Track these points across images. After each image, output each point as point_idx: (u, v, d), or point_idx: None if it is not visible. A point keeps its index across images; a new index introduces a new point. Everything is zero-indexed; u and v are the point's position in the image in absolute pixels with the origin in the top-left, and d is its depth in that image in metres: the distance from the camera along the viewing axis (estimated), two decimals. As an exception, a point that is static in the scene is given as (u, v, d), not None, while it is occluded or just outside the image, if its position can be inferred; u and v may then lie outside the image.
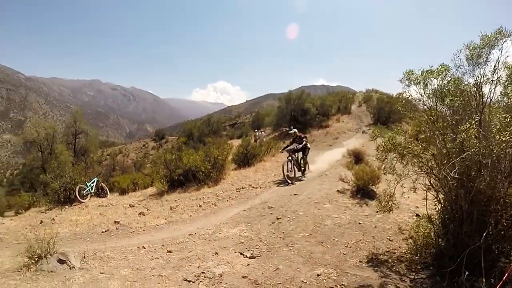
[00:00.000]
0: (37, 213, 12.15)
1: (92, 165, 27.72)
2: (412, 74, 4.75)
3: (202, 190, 11.34)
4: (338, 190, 8.65)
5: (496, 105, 4.41)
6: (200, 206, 9.55)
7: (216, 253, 5.88)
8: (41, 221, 9.92)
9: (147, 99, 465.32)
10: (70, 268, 5.39)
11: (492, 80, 4.25)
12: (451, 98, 4.37)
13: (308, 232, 6.43)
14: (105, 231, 8.12)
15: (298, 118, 26.16)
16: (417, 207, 7.20)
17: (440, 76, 4.52)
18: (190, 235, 7.11)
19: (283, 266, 5.13)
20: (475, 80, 4.36)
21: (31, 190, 23.21)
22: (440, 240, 4.74)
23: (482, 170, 4.08)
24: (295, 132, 12.56)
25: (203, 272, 5.05)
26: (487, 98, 4.30)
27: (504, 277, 3.45)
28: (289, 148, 12.02)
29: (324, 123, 26.69)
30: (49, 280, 4.94)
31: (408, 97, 4.95)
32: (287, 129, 17.17)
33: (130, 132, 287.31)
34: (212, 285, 4.71)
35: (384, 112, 26.10)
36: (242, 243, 6.29)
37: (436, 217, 4.89)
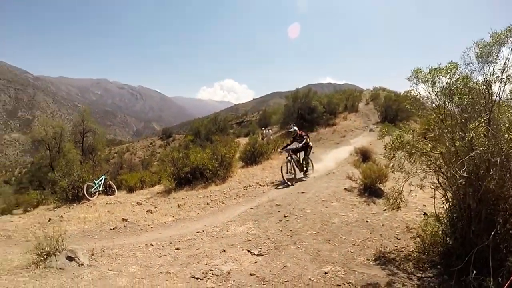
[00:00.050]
0: (46, 211, 12.25)
1: (99, 163, 27.88)
2: (420, 72, 4.73)
3: (210, 188, 11.37)
4: (345, 188, 8.62)
5: (506, 103, 4.38)
6: (207, 204, 9.58)
7: (224, 250, 5.90)
8: (50, 219, 10.01)
9: (154, 97, 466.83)
10: (79, 265, 5.42)
11: (501, 78, 4.22)
12: (459, 96, 4.35)
13: (315, 230, 6.43)
14: (113, 229, 8.18)
15: (305, 116, 26.14)
16: (425, 205, 7.17)
17: (449, 74, 4.50)
18: (197, 232, 7.13)
19: (290, 264, 5.14)
20: (484, 78, 4.33)
21: (40, 188, 23.48)
22: (448, 239, 4.72)
23: (491, 169, 4.05)
24: (295, 130, 11.94)
25: (211, 270, 5.07)
26: (496, 96, 4.26)
27: (513, 276, 3.43)
28: (289, 147, 11.59)
29: (331, 121, 26.64)
30: (58, 277, 4.97)
31: (416, 95, 4.93)
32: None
33: (137, 131, 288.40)
34: (220, 282, 4.73)
35: (392, 110, 25.93)
36: (250, 240, 6.31)
37: (444, 215, 4.87)
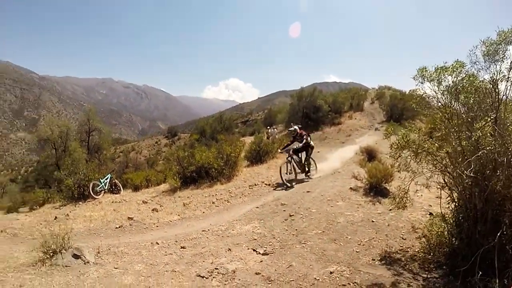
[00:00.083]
0: (51, 209, 12.37)
1: (105, 162, 28.03)
2: (426, 71, 4.71)
3: (215, 187, 11.39)
4: (351, 188, 8.59)
5: (512, 102, 4.35)
6: (213, 202, 9.60)
7: (229, 249, 5.91)
8: (56, 217, 10.10)
9: (159, 96, 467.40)
10: (85, 263, 5.46)
11: (508, 77, 4.19)
12: (465, 95, 4.33)
13: (321, 229, 6.42)
14: (119, 227, 8.23)
15: (310, 115, 26.11)
16: (431, 205, 7.14)
17: (455, 72, 4.47)
18: (203, 231, 7.16)
19: (296, 263, 5.15)
20: (490, 77, 4.30)
21: (46, 186, 23.64)
22: (453, 239, 4.69)
23: (498, 169, 4.03)
24: (295, 129, 11.53)
25: (216, 268, 5.09)
26: (503, 95, 4.23)
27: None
28: (289, 148, 11.23)
29: (337, 120, 26.58)
30: (64, 274, 5.01)
31: (422, 94, 4.91)
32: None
33: (143, 130, 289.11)
34: (225, 281, 4.74)
35: (397, 109, 25.75)
36: (255, 239, 6.32)
37: (449, 216, 4.84)
